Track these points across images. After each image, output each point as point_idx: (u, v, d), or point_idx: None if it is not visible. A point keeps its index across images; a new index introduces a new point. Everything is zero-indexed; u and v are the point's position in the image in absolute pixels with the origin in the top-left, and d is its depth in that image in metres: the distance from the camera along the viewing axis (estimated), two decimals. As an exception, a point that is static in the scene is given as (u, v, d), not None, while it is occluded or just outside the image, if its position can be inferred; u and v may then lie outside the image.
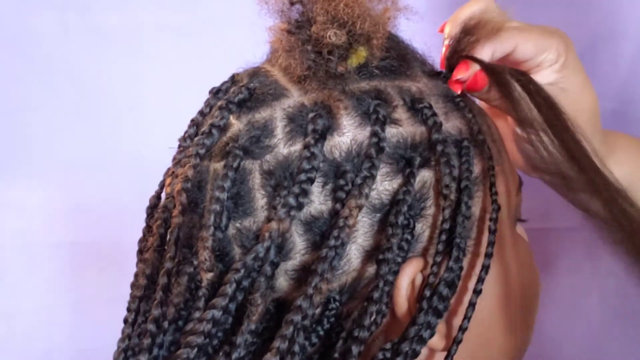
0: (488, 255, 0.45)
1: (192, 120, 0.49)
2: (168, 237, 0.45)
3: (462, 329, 0.44)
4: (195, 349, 0.41)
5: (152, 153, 0.95)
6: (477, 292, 0.45)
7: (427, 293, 0.43)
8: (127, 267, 0.97)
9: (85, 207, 0.94)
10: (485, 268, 0.45)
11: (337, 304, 0.44)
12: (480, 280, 0.45)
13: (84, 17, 0.93)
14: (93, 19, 0.93)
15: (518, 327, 0.50)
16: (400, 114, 0.45)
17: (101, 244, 0.94)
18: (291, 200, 0.42)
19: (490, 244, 0.46)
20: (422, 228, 0.44)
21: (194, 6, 0.92)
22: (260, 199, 0.43)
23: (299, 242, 0.43)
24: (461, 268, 0.44)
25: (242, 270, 0.42)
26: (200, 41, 0.91)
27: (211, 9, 0.91)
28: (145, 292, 0.45)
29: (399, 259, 0.43)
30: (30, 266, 0.96)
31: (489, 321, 0.47)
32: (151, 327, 0.43)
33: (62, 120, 0.94)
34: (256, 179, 0.43)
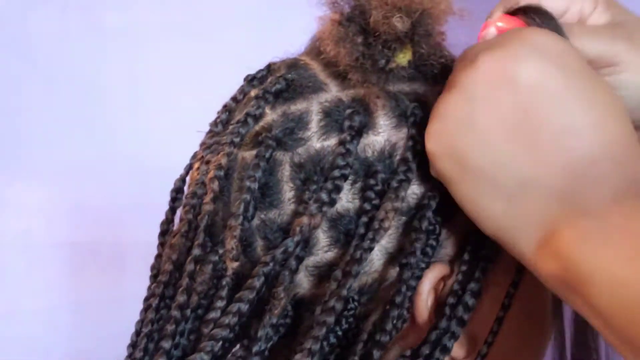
0: (519, 270, 0.44)
1: (225, 106, 0.48)
2: (197, 223, 0.44)
3: (488, 343, 0.43)
4: (220, 342, 0.40)
5: (152, 153, 0.95)
6: (505, 306, 0.43)
7: (453, 301, 0.42)
8: (127, 267, 0.97)
9: (85, 207, 0.94)
10: (515, 284, 0.44)
11: (356, 304, 0.43)
12: (509, 295, 0.44)
13: (84, 17, 0.93)
14: (93, 19, 0.93)
15: (533, 339, 0.50)
16: None
17: (101, 244, 0.94)
18: (324, 196, 0.41)
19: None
20: (447, 234, 0.44)
21: (195, 6, 0.92)
22: (287, 192, 0.43)
23: (322, 239, 0.43)
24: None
25: (271, 264, 0.41)
26: (200, 41, 0.91)
27: (212, 9, 0.91)
28: (170, 278, 0.44)
29: (423, 264, 0.42)
30: (30, 266, 0.96)
31: (507, 332, 0.46)
32: (176, 313, 0.42)
33: (62, 120, 0.94)
34: (286, 171, 0.43)
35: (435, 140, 0.39)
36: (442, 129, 0.39)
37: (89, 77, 0.93)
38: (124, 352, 0.47)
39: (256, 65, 0.51)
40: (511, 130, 0.37)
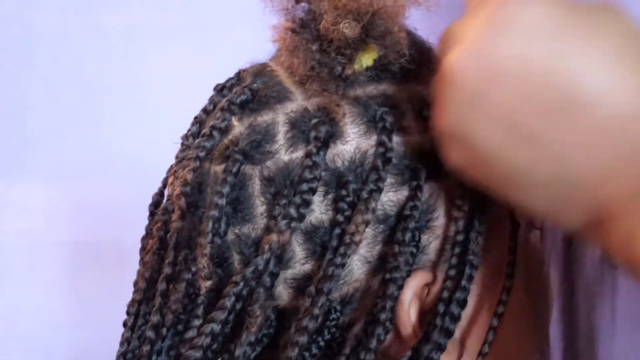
0: (509, 276, 0.43)
1: (196, 118, 0.48)
2: (167, 241, 0.43)
3: (482, 354, 0.42)
4: None
5: (153, 153, 0.95)
6: (498, 315, 0.43)
7: (438, 310, 0.41)
8: (128, 267, 0.97)
9: (86, 207, 0.94)
10: (507, 290, 0.43)
11: (338, 314, 0.42)
12: (502, 302, 0.43)
13: (84, 17, 0.93)
14: (93, 19, 0.93)
15: (529, 341, 0.49)
16: (409, 121, 0.42)
17: (102, 244, 0.94)
18: (292, 211, 0.40)
19: (510, 264, 0.43)
20: (429, 240, 0.42)
21: (194, 6, 0.92)
22: (259, 206, 0.42)
23: (298, 252, 0.42)
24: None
25: (242, 284, 0.40)
26: (200, 41, 0.91)
27: (211, 9, 0.91)
28: (145, 295, 0.44)
29: (404, 274, 0.41)
30: (31, 266, 0.96)
31: (499, 338, 0.45)
32: (150, 334, 0.42)
33: (63, 120, 0.94)
34: (256, 185, 0.42)
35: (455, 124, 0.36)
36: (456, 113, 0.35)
37: (90, 78, 0.93)
38: (125, 352, 0.47)
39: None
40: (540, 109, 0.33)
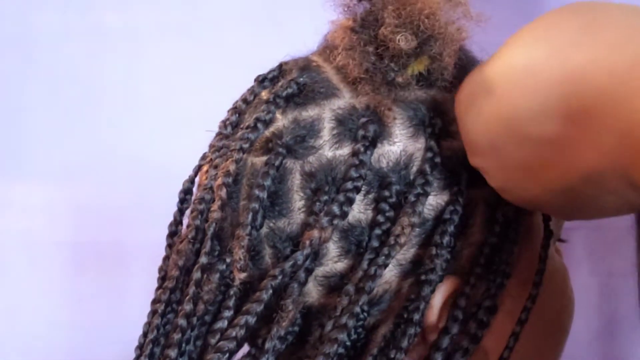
0: (536, 285, 0.43)
1: (235, 108, 0.48)
2: (205, 230, 0.44)
3: (504, 359, 0.43)
4: (227, 355, 0.40)
5: (153, 153, 0.95)
6: (521, 321, 0.43)
7: (467, 317, 0.42)
8: (128, 267, 0.97)
9: (86, 207, 0.94)
10: (533, 298, 0.43)
11: (365, 314, 0.42)
12: (526, 309, 0.43)
13: (84, 17, 0.93)
14: (93, 19, 0.93)
15: (545, 351, 0.49)
16: (456, 127, 0.42)
17: (102, 243, 0.94)
18: (335, 209, 0.40)
19: (539, 272, 0.44)
20: (462, 246, 0.43)
21: (194, 6, 0.92)
22: (297, 201, 0.42)
23: (332, 249, 0.42)
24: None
25: (280, 277, 0.41)
26: (200, 41, 0.91)
27: (211, 9, 0.91)
28: (177, 284, 0.44)
29: (438, 277, 0.41)
30: (31, 266, 0.96)
31: (522, 346, 0.45)
32: (182, 322, 0.42)
33: (63, 120, 0.94)
34: (296, 180, 0.42)
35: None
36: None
37: (90, 77, 0.93)
38: (124, 352, 0.47)
39: (257, 65, 0.51)
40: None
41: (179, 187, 0.49)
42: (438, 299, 0.42)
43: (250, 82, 0.50)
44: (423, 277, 0.41)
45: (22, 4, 0.92)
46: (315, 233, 0.40)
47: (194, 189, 0.49)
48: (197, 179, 0.49)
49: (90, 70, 0.93)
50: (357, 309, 0.40)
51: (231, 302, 0.42)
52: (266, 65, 0.50)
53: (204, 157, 0.48)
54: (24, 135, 0.95)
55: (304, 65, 0.46)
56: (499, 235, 0.42)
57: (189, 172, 0.50)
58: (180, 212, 0.48)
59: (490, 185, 0.40)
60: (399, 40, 0.40)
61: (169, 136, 0.86)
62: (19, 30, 0.93)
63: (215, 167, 0.45)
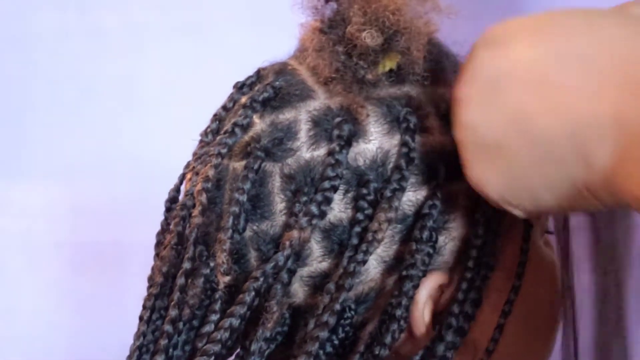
0: (519, 276, 0.44)
1: (215, 115, 0.48)
2: (187, 236, 0.44)
3: (489, 351, 0.43)
4: (213, 357, 0.40)
5: (153, 153, 0.95)
6: (505, 313, 0.43)
7: (453, 310, 0.42)
8: (128, 267, 0.97)
9: (86, 207, 0.94)
10: (516, 289, 0.43)
11: (353, 312, 0.43)
12: (509, 301, 0.43)
13: (83, 17, 0.93)
14: (93, 19, 0.93)
15: (535, 344, 0.49)
16: (432, 122, 0.43)
17: (102, 244, 0.94)
18: (313, 209, 0.41)
19: (521, 264, 0.44)
20: (444, 241, 0.43)
21: (194, 6, 0.92)
22: (279, 203, 0.43)
23: (316, 249, 0.42)
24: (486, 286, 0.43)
25: (262, 279, 0.41)
26: (200, 41, 0.91)
27: (212, 9, 0.91)
28: (161, 289, 0.44)
29: (420, 274, 0.42)
30: (31, 266, 0.96)
31: (509, 338, 0.45)
32: (168, 327, 0.42)
33: (62, 120, 0.94)
34: (276, 182, 0.43)
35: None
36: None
37: (89, 77, 0.93)
38: (123, 352, 0.47)
39: (257, 65, 0.51)
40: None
41: (168, 192, 0.50)
42: (423, 294, 0.42)
43: (249, 82, 0.50)
44: (404, 273, 0.41)
45: (22, 4, 0.93)
46: (295, 234, 0.41)
47: (180, 197, 0.49)
48: (182, 188, 0.49)
49: (90, 71, 0.93)
50: (338, 307, 0.40)
51: (217, 306, 0.42)
52: (266, 65, 0.50)
53: (187, 166, 0.48)
54: (23, 135, 0.95)
55: (280, 69, 0.47)
56: (482, 228, 0.43)
57: (188, 172, 0.50)
58: (167, 220, 0.49)
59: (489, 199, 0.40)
60: (364, 38, 0.41)
61: (169, 136, 0.86)
62: (19, 30, 0.93)
63: (197, 173, 0.45)
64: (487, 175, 0.38)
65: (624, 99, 0.33)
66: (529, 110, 0.35)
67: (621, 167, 0.33)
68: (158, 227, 0.50)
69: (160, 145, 0.90)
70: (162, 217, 0.50)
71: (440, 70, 0.44)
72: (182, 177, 0.49)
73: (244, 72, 0.50)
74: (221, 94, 0.49)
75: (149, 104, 0.93)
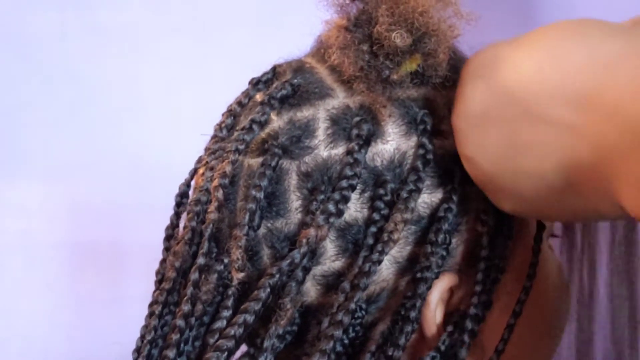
0: (530, 277, 0.44)
1: (229, 110, 0.48)
2: (202, 232, 0.44)
3: (498, 351, 0.43)
4: (226, 353, 0.40)
5: (152, 153, 0.95)
6: (516, 313, 0.44)
7: (464, 312, 0.42)
8: (127, 267, 0.97)
9: (85, 207, 0.94)
10: (526, 290, 0.44)
11: (364, 312, 0.43)
12: (520, 302, 0.44)
13: (83, 17, 0.93)
14: (92, 19, 0.93)
15: (539, 344, 0.49)
16: (447, 125, 0.43)
17: (101, 244, 0.94)
18: (330, 207, 0.41)
19: (533, 265, 0.44)
20: (457, 243, 0.43)
21: (194, 6, 0.92)
22: (294, 201, 0.43)
23: (330, 248, 0.42)
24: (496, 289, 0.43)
25: (277, 276, 0.41)
26: (200, 41, 0.91)
27: (211, 9, 0.91)
28: (174, 285, 0.44)
29: (434, 274, 0.42)
30: (29, 266, 0.96)
31: (517, 339, 0.45)
32: (180, 322, 0.42)
33: (61, 120, 0.94)
34: (292, 180, 0.43)
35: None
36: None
37: (89, 77, 0.93)
38: (123, 352, 0.47)
39: (257, 65, 0.51)
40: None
41: (178, 187, 0.50)
42: (435, 295, 0.43)
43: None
44: (419, 275, 0.41)
45: (22, 4, 0.93)
46: (312, 231, 0.41)
47: (190, 192, 0.49)
48: (193, 182, 0.49)
49: (89, 70, 0.93)
50: (353, 306, 0.40)
51: (230, 302, 0.42)
52: (266, 65, 0.50)
53: (199, 161, 0.48)
54: (22, 135, 0.95)
55: (298, 67, 0.47)
56: (493, 230, 0.43)
57: (187, 172, 0.50)
58: (177, 215, 0.49)
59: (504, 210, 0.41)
60: (394, 38, 0.41)
61: (168, 136, 0.86)
62: (18, 30, 0.93)
63: (211, 169, 0.45)
64: (502, 204, 0.41)
65: (615, 131, 0.34)
66: (520, 141, 0.37)
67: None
68: (157, 227, 0.50)
69: (159, 145, 0.90)
70: (160, 217, 0.50)
71: (456, 73, 0.44)
72: (194, 172, 0.49)
73: (244, 71, 0.50)
74: (221, 94, 0.49)
75: (148, 104, 0.93)
